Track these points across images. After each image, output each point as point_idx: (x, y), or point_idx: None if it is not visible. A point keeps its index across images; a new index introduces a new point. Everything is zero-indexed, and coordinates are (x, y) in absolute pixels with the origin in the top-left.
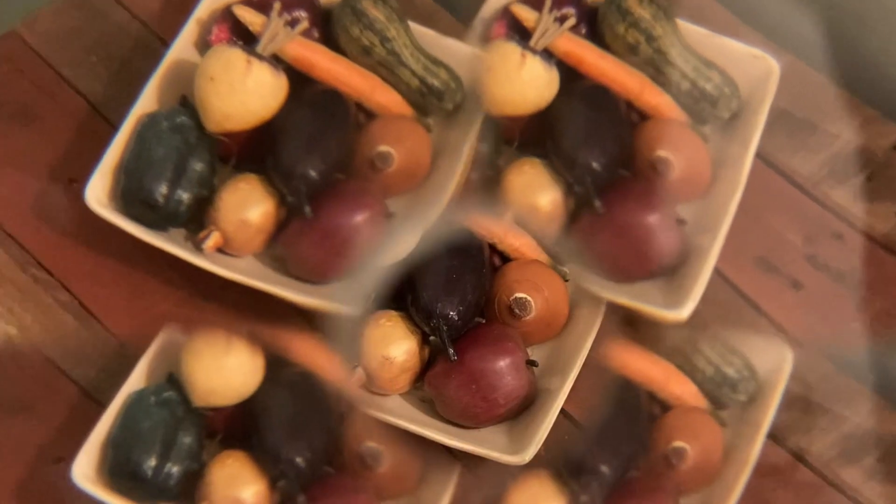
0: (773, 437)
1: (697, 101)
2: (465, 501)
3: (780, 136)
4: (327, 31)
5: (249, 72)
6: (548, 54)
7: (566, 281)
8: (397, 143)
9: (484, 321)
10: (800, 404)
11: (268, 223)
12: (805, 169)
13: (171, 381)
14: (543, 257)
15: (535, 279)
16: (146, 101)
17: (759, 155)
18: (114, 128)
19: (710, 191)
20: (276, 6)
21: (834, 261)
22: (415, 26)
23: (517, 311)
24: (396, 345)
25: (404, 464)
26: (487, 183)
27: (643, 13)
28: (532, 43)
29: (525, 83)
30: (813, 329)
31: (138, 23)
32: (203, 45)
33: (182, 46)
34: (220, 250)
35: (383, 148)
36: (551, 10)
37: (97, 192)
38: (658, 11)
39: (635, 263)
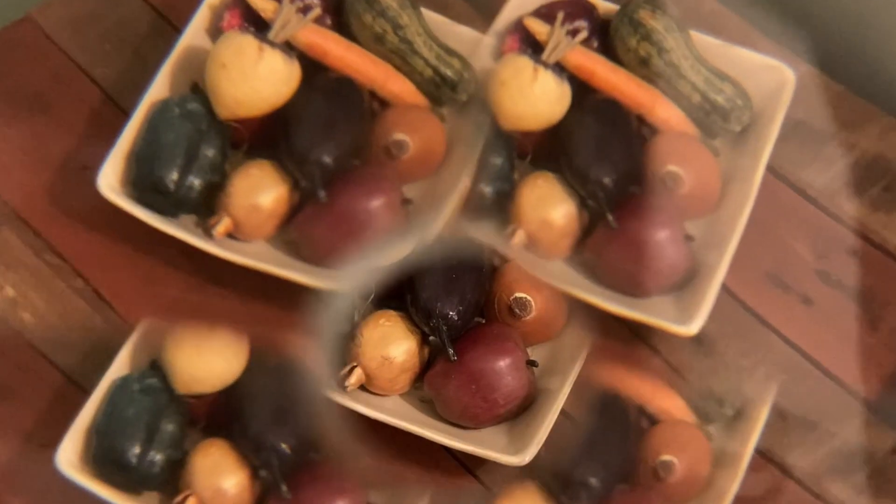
0: (761, 452)
1: (708, 114)
2: None
3: (792, 148)
4: (340, 18)
5: (261, 58)
6: (560, 68)
7: None
8: (413, 132)
9: (484, 321)
10: (789, 420)
11: (280, 208)
12: (819, 181)
13: (155, 367)
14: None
15: (535, 280)
16: (158, 88)
17: (771, 167)
18: (126, 115)
19: (719, 205)
20: None
21: (847, 276)
22: (428, 13)
23: (517, 310)
24: (396, 345)
25: None
26: (500, 197)
27: (655, 24)
28: (544, 56)
29: (537, 97)
30: (824, 346)
31: (151, 9)
32: (215, 31)
33: (194, 33)
34: (230, 236)
35: (399, 136)
36: (563, 23)
37: (109, 179)
38: (670, 23)
39: (642, 279)
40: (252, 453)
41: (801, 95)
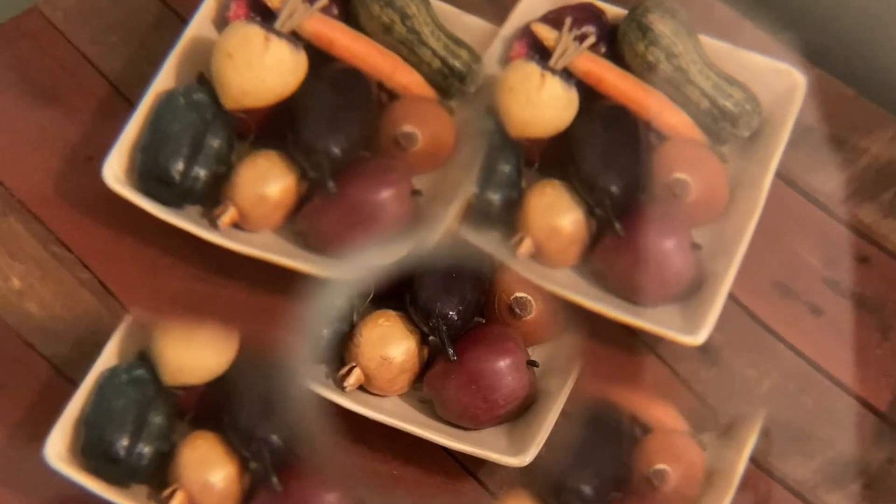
0: (755, 461)
1: (717, 120)
2: None
3: (802, 153)
4: (347, 8)
5: (268, 48)
6: (567, 74)
7: None
8: (422, 125)
9: (484, 321)
10: (790, 430)
11: (286, 199)
12: (828, 187)
13: (143, 358)
14: None
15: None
16: (164, 79)
17: (780, 173)
18: (132, 105)
19: (727, 213)
20: None
21: (858, 285)
22: (436, 3)
23: (518, 310)
24: (395, 345)
25: None
26: (507, 205)
27: (664, 29)
28: (552, 62)
29: (545, 104)
30: (833, 356)
31: (158, 0)
32: (221, 22)
33: (200, 23)
34: (236, 226)
35: (408, 128)
36: (571, 28)
37: (114, 170)
38: (679, 27)
39: (649, 288)
40: (242, 445)
41: (812, 100)
